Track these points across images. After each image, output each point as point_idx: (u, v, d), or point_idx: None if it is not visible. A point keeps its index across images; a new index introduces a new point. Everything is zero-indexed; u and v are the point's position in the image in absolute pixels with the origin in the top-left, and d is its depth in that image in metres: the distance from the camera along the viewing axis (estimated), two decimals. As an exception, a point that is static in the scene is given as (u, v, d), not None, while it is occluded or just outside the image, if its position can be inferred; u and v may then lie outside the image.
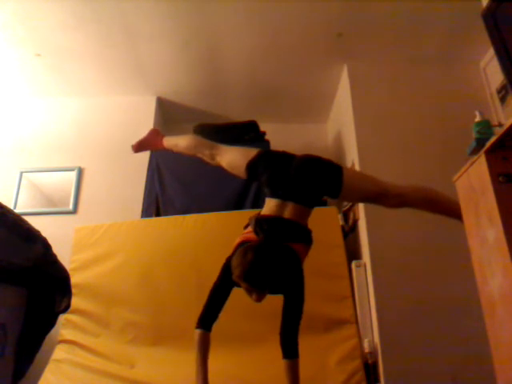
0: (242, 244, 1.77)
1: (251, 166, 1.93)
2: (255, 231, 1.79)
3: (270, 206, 1.86)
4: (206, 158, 2.09)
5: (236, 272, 1.65)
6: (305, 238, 1.85)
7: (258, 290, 1.65)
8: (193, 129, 3.60)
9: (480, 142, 1.73)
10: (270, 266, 1.65)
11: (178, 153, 2.27)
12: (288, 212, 1.82)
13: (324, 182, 1.89)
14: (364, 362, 2.66)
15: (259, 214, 1.89)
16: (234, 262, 1.67)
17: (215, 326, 2.88)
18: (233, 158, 1.99)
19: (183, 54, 3.59)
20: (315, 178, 1.89)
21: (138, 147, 2.38)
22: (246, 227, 1.90)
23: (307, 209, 1.89)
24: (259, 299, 1.68)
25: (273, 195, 1.87)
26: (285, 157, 1.96)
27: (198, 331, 1.85)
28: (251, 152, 1.98)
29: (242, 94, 4.07)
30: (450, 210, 1.89)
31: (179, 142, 2.23)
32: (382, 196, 1.90)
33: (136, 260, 3.06)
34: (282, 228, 1.79)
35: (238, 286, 1.73)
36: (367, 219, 3.04)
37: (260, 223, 1.80)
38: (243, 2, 3.08)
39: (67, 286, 2.16)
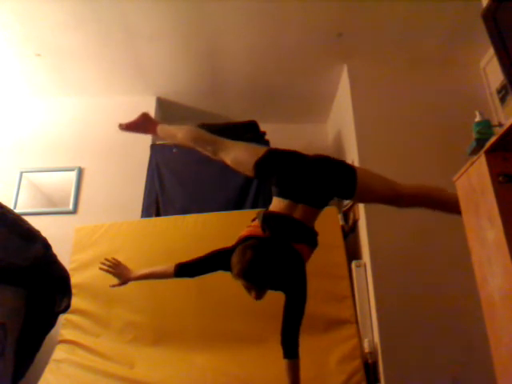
0: (246, 238, 1.76)
1: (259, 164, 1.86)
2: (262, 227, 1.78)
3: (279, 205, 1.83)
4: (208, 153, 2.00)
5: (235, 270, 1.65)
6: (310, 240, 1.84)
7: (257, 288, 1.65)
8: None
9: (480, 142, 1.73)
10: (268, 265, 1.65)
11: (176, 144, 2.20)
12: (298, 213, 1.80)
13: (338, 184, 1.87)
14: (364, 362, 2.66)
15: (267, 210, 1.87)
16: (234, 260, 1.67)
17: (215, 326, 2.89)
18: (238, 155, 1.92)
19: (183, 54, 3.59)
20: (329, 180, 1.86)
21: (126, 128, 2.26)
22: (253, 220, 1.89)
23: (317, 210, 1.88)
24: (258, 297, 1.68)
25: (282, 195, 1.84)
26: (296, 157, 1.91)
27: (172, 268, 1.90)
28: (259, 150, 1.92)
29: (242, 94, 4.07)
30: (457, 209, 1.86)
31: (177, 133, 2.11)
32: (396, 197, 1.90)
33: (136, 260, 3.04)
34: (289, 227, 1.78)
35: (225, 270, 1.75)
36: (367, 219, 3.04)
37: (268, 220, 1.79)
38: (243, 2, 3.08)
39: (67, 286, 2.16)
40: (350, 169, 1.90)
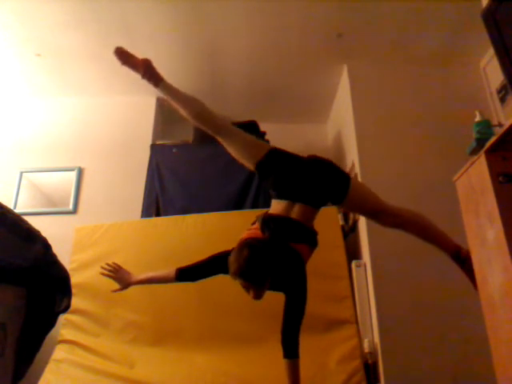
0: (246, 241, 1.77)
1: (260, 166, 1.88)
2: (262, 229, 1.79)
3: (278, 207, 1.85)
4: (209, 133, 1.94)
5: (232, 268, 1.65)
6: (310, 239, 1.85)
7: (254, 286, 1.65)
8: (193, 129, 3.60)
9: (480, 142, 1.74)
10: (265, 263, 1.65)
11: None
12: (296, 213, 1.82)
13: (331, 185, 1.89)
14: (364, 362, 2.66)
15: (267, 212, 1.88)
16: (231, 259, 1.67)
17: (215, 326, 2.90)
18: (239, 150, 1.90)
19: (183, 54, 3.59)
20: (324, 179, 1.88)
21: (123, 58, 2.06)
22: (253, 224, 1.90)
23: (315, 209, 1.89)
24: (257, 296, 1.68)
25: (280, 197, 1.86)
26: (293, 159, 1.92)
27: (173, 272, 1.89)
28: (261, 147, 1.91)
29: (242, 94, 4.07)
30: (437, 239, 1.96)
31: (179, 105, 1.97)
32: (381, 213, 1.93)
33: (136, 260, 3.05)
34: (288, 228, 1.79)
35: (226, 273, 1.74)
36: (367, 219, 3.03)
37: (267, 222, 1.80)
38: (243, 3, 3.09)
39: (67, 286, 2.16)
40: (345, 174, 1.93)
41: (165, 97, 2.04)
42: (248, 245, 1.68)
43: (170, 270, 1.91)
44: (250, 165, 1.91)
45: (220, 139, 1.91)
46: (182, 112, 1.95)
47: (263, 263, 1.65)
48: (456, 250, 1.94)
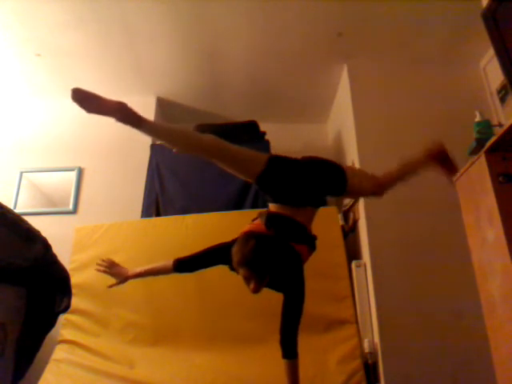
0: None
1: (261, 179, 1.83)
2: (266, 225, 1.79)
3: (281, 209, 1.84)
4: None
5: (236, 257, 1.65)
6: (310, 242, 1.86)
7: (257, 276, 1.64)
8: (193, 129, 3.60)
9: (480, 142, 1.74)
10: (270, 254, 1.66)
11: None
12: (300, 216, 1.83)
13: (330, 183, 1.91)
14: (364, 362, 2.66)
15: (269, 210, 1.88)
16: (235, 249, 1.67)
17: (215, 326, 2.89)
18: (237, 169, 1.85)
19: (183, 54, 3.59)
20: (322, 181, 1.89)
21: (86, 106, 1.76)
22: (254, 220, 1.89)
23: (316, 209, 1.91)
24: (256, 289, 1.67)
25: (281, 202, 1.85)
26: (292, 164, 1.91)
27: (171, 263, 1.90)
28: (257, 161, 1.82)
29: (242, 94, 4.07)
30: (415, 167, 2.07)
31: (165, 140, 1.84)
32: (378, 190, 1.98)
33: (136, 260, 3.04)
34: (292, 228, 1.80)
35: (225, 264, 1.75)
36: (367, 219, 3.04)
37: (272, 219, 1.80)
38: (243, 3, 3.08)
39: (67, 286, 2.16)
40: (339, 168, 1.93)
41: (148, 135, 1.92)
42: (254, 235, 1.68)
43: (167, 261, 1.92)
44: (250, 179, 1.87)
45: (215, 162, 1.82)
46: (177, 147, 1.82)
47: (268, 254, 1.65)
48: (427, 155, 2.03)
